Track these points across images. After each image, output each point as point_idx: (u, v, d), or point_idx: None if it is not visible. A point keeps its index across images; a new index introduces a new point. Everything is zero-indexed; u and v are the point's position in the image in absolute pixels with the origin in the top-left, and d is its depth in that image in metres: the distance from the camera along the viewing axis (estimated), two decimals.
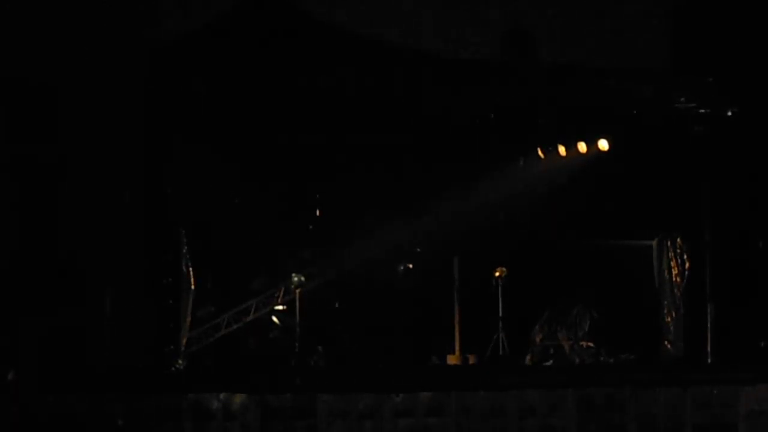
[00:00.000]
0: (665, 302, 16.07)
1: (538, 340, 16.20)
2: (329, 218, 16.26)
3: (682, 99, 15.37)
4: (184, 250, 14.05)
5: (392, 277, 16.50)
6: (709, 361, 14.99)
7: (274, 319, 15.83)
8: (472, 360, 15.81)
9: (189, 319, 14.08)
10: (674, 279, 16.03)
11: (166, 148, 13.67)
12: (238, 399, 11.70)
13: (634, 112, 15.59)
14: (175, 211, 14.03)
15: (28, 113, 12.69)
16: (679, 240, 16.03)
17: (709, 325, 15.10)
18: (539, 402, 12.41)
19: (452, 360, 16.02)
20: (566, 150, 16.40)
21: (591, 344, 16.00)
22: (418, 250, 16.68)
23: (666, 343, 15.94)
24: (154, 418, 11.55)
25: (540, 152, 16.53)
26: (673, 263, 16.04)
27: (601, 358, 15.76)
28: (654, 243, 16.42)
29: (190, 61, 13.96)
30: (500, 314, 15.57)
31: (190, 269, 14.03)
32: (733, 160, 15.27)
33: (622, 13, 15.23)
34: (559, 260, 16.25)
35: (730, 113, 15.34)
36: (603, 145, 16.11)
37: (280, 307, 15.88)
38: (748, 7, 15.15)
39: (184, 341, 14.00)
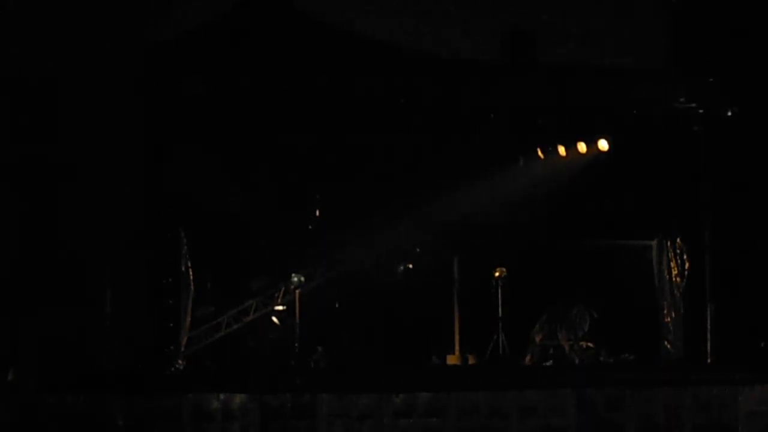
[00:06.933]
0: (665, 302, 16.06)
1: (538, 340, 16.20)
2: (329, 218, 16.25)
3: (682, 99, 15.37)
4: (184, 250, 14.06)
5: (392, 277, 16.50)
6: (709, 361, 14.98)
7: (274, 319, 15.83)
8: (472, 360, 15.81)
9: (189, 319, 14.10)
10: (674, 279, 16.02)
11: (166, 148, 13.68)
12: (238, 399, 11.71)
13: (634, 112, 15.58)
14: (175, 211, 14.03)
15: (29, 113, 12.70)
16: (679, 240, 16.02)
17: (709, 325, 15.10)
18: (539, 402, 12.41)
19: (452, 360, 16.02)
20: (566, 150, 16.39)
21: (591, 344, 16.00)
22: (418, 250, 16.68)
23: (666, 343, 15.93)
24: (154, 418, 11.56)
25: (540, 152, 16.53)
26: (673, 263, 16.03)
27: (601, 358, 15.75)
28: (654, 243, 16.41)
29: (189, 60, 13.97)
30: (500, 314, 15.57)
31: (190, 269, 14.04)
32: (733, 160, 15.27)
33: (622, 13, 15.24)
34: (559, 260, 16.25)
35: (730, 113, 15.34)
36: (603, 145, 16.11)
37: (280, 307, 15.87)
38: (748, 7, 15.15)
39: (184, 341, 14.01)
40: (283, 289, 15.84)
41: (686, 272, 15.90)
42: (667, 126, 15.63)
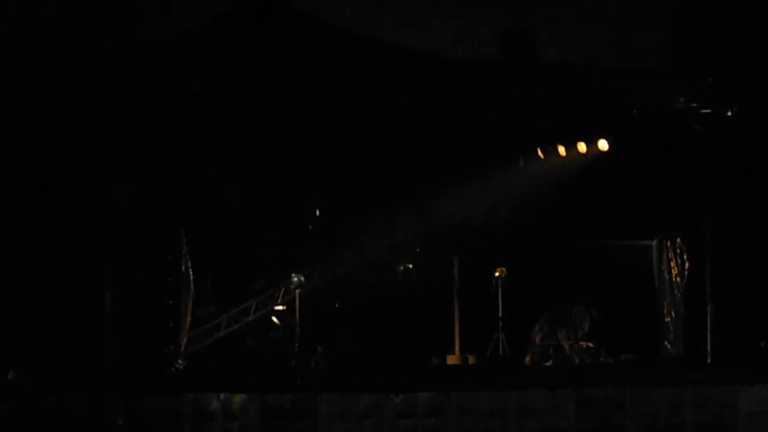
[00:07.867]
0: (665, 302, 16.08)
1: (538, 340, 16.21)
2: (329, 218, 16.25)
3: (682, 99, 15.37)
4: (184, 250, 14.06)
5: (392, 277, 16.49)
6: (709, 361, 14.99)
7: (274, 319, 15.83)
8: (472, 360, 15.82)
9: (189, 319, 14.10)
10: (674, 279, 16.02)
11: (166, 148, 13.69)
12: (238, 399, 11.71)
13: (634, 112, 15.58)
14: (175, 211, 14.04)
15: (29, 113, 12.70)
16: (679, 240, 16.02)
17: (709, 325, 15.11)
18: (539, 402, 12.41)
19: (452, 360, 16.03)
20: (566, 150, 16.39)
21: (591, 344, 16.00)
22: (418, 250, 16.68)
23: (666, 343, 15.94)
24: (154, 418, 11.56)
25: (540, 152, 16.52)
26: (673, 263, 16.04)
27: (601, 358, 15.76)
28: (654, 243, 16.42)
29: (190, 60, 13.98)
30: (500, 314, 15.58)
31: (190, 269, 14.04)
32: (733, 160, 15.27)
33: (622, 13, 15.24)
34: (560, 260, 16.25)
35: (730, 113, 15.34)
36: (603, 145, 16.11)
37: (280, 307, 15.87)
38: (748, 7, 15.15)
39: (184, 341, 14.02)
40: (283, 289, 15.84)
41: (686, 272, 15.91)
42: (667, 126, 15.63)
